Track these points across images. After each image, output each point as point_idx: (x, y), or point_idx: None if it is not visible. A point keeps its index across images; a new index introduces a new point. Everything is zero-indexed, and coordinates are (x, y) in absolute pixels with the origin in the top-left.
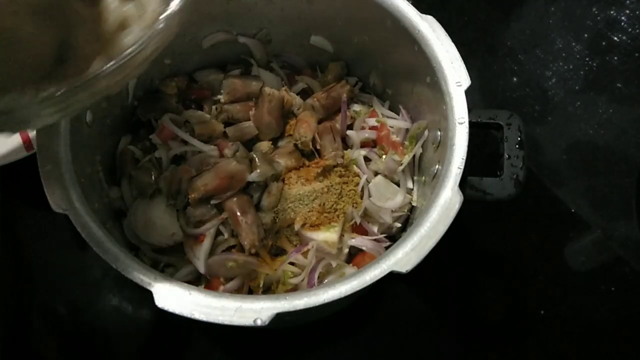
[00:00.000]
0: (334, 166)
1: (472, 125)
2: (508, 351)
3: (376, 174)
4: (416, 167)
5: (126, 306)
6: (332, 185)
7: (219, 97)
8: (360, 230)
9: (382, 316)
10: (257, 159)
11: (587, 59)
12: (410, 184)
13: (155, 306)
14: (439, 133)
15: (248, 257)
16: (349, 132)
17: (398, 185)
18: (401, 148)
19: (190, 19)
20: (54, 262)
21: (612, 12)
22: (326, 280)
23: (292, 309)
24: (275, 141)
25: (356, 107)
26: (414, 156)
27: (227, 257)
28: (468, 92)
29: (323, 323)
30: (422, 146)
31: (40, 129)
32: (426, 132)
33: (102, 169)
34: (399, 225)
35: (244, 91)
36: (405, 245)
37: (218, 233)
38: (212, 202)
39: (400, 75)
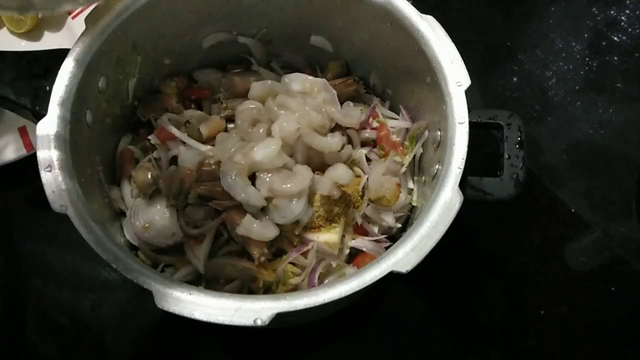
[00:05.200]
0: None
1: (472, 125)
2: (508, 351)
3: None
4: (416, 167)
5: (126, 306)
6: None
7: (219, 96)
8: (360, 230)
9: (382, 316)
10: None
11: (587, 59)
12: (411, 184)
13: (156, 306)
14: (439, 133)
15: (246, 262)
16: (349, 131)
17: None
18: (401, 148)
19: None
20: (53, 262)
21: (612, 12)
22: (326, 281)
23: (292, 309)
24: None
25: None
26: (414, 156)
27: (226, 261)
28: (468, 92)
29: (323, 323)
30: (422, 146)
31: (40, 128)
32: (426, 132)
33: (102, 169)
34: (399, 225)
35: (243, 87)
36: (405, 245)
37: (218, 234)
38: (211, 204)
39: (400, 75)
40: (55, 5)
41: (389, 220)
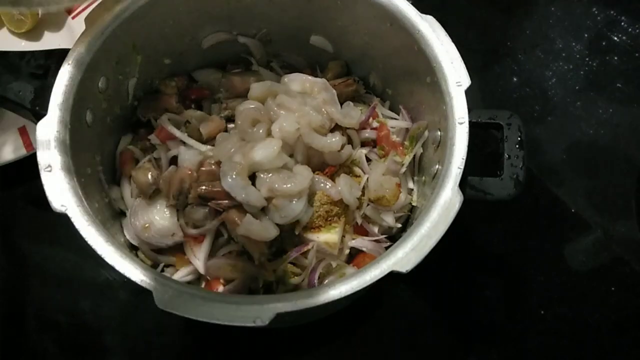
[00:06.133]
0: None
1: (472, 125)
2: (508, 351)
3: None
4: (416, 167)
5: (126, 306)
6: None
7: (219, 96)
8: (360, 230)
9: (382, 316)
10: None
11: (587, 59)
12: (411, 184)
13: (156, 306)
14: (439, 133)
15: (246, 262)
16: (349, 131)
17: None
18: (401, 148)
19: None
20: (53, 262)
21: (612, 12)
22: (326, 281)
23: (292, 309)
24: None
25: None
26: (414, 156)
27: (226, 261)
28: (468, 92)
29: (323, 323)
30: (422, 146)
31: (40, 128)
32: (426, 132)
33: (102, 169)
34: (399, 225)
35: (243, 87)
36: (405, 245)
37: (218, 234)
38: (211, 204)
39: (400, 75)
40: (51, 1)
41: (389, 220)
